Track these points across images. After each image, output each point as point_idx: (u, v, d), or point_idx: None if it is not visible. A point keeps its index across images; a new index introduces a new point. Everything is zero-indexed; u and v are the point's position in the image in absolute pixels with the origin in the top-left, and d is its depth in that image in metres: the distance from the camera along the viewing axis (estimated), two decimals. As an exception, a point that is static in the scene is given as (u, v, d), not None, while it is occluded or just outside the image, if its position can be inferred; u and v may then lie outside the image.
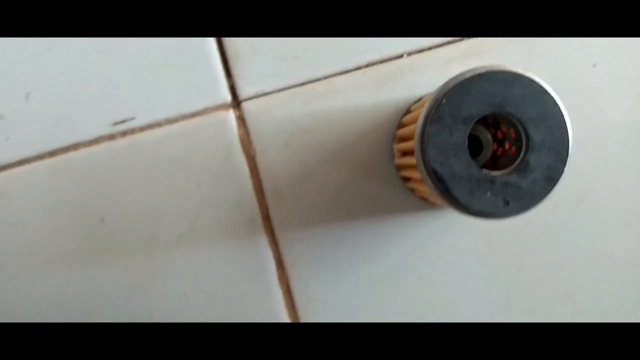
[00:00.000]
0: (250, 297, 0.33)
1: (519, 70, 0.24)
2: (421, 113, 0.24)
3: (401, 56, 0.32)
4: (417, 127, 0.24)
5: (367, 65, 0.32)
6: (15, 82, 0.32)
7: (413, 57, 0.32)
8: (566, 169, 0.31)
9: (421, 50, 0.32)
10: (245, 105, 0.32)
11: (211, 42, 0.32)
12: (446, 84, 0.24)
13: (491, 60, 0.32)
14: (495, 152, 0.28)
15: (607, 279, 0.33)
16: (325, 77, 0.32)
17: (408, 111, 0.31)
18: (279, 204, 0.32)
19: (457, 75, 0.24)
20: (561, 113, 0.24)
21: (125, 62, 0.32)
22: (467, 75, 0.24)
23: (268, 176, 0.32)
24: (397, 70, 0.32)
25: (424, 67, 0.32)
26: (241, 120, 0.32)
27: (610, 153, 0.32)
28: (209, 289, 0.33)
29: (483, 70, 0.24)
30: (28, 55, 0.31)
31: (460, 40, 0.32)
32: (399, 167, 0.31)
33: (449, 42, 0.32)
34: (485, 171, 0.24)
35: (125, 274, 0.33)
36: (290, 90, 0.32)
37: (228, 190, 0.32)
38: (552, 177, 0.24)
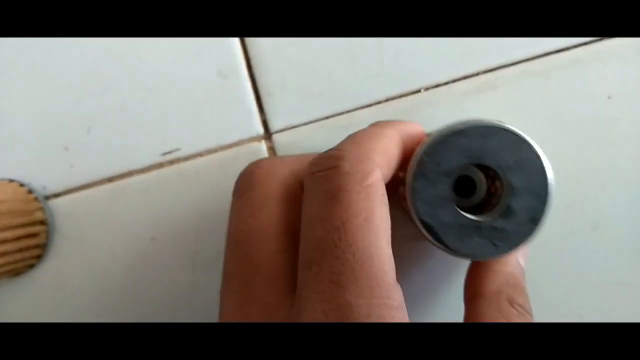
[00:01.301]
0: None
1: (494, 122, 0.26)
2: (409, 169, 0.26)
3: (419, 91, 0.34)
4: (407, 181, 0.26)
5: (386, 100, 0.34)
6: (78, 118, 0.36)
7: (430, 91, 0.34)
8: (581, 196, 0.32)
9: (437, 85, 0.34)
10: (275, 137, 0.35)
11: (246, 81, 0.35)
12: (426, 141, 0.26)
13: (506, 94, 0.33)
14: (489, 188, 0.29)
15: (622, 306, 0.33)
16: (348, 112, 0.34)
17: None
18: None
19: (436, 132, 0.26)
20: (538, 157, 0.25)
21: (172, 100, 0.36)
22: (444, 133, 0.26)
23: (296, 201, 0.35)
24: (414, 105, 0.34)
25: (440, 101, 0.34)
26: (272, 150, 0.35)
27: (625, 182, 0.33)
28: (244, 302, 0.36)
29: (459, 127, 0.26)
30: (88, 94, 0.36)
31: (476, 75, 0.33)
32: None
33: (464, 77, 0.33)
34: (471, 217, 0.26)
35: (172, 286, 0.37)
36: (316, 124, 0.35)
37: (261, 213, 0.35)
38: (535, 218, 0.26)
